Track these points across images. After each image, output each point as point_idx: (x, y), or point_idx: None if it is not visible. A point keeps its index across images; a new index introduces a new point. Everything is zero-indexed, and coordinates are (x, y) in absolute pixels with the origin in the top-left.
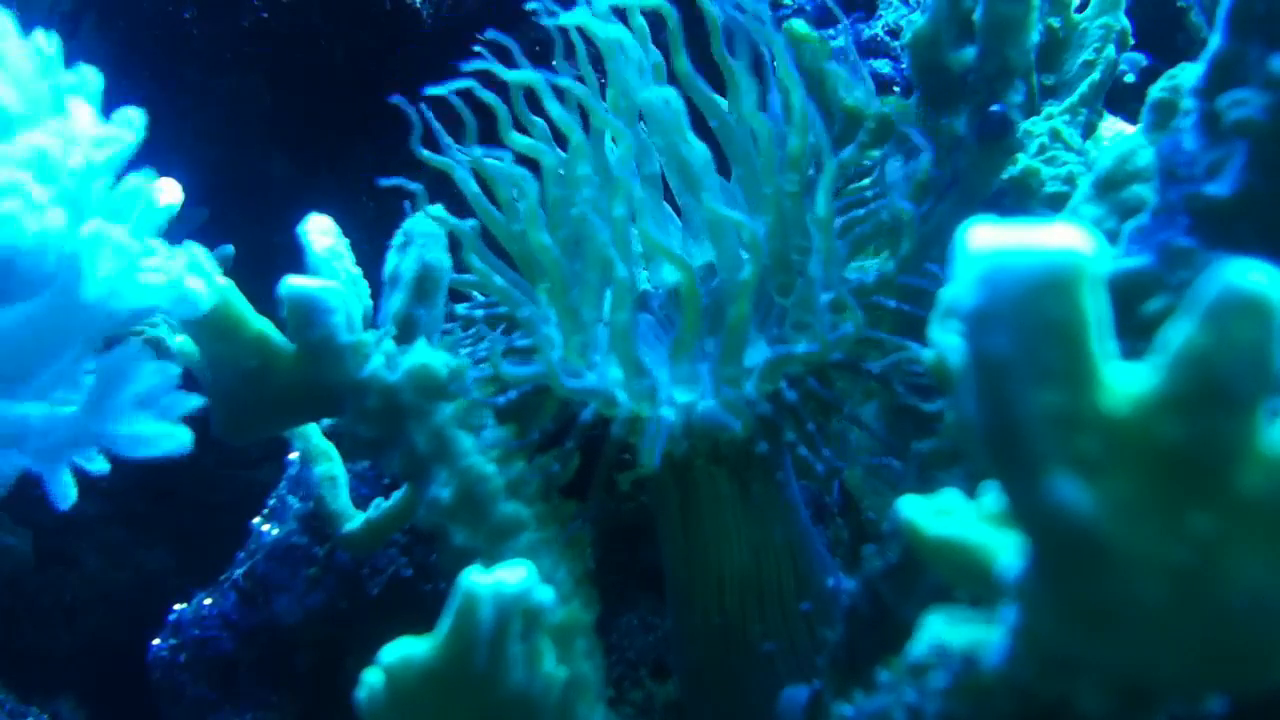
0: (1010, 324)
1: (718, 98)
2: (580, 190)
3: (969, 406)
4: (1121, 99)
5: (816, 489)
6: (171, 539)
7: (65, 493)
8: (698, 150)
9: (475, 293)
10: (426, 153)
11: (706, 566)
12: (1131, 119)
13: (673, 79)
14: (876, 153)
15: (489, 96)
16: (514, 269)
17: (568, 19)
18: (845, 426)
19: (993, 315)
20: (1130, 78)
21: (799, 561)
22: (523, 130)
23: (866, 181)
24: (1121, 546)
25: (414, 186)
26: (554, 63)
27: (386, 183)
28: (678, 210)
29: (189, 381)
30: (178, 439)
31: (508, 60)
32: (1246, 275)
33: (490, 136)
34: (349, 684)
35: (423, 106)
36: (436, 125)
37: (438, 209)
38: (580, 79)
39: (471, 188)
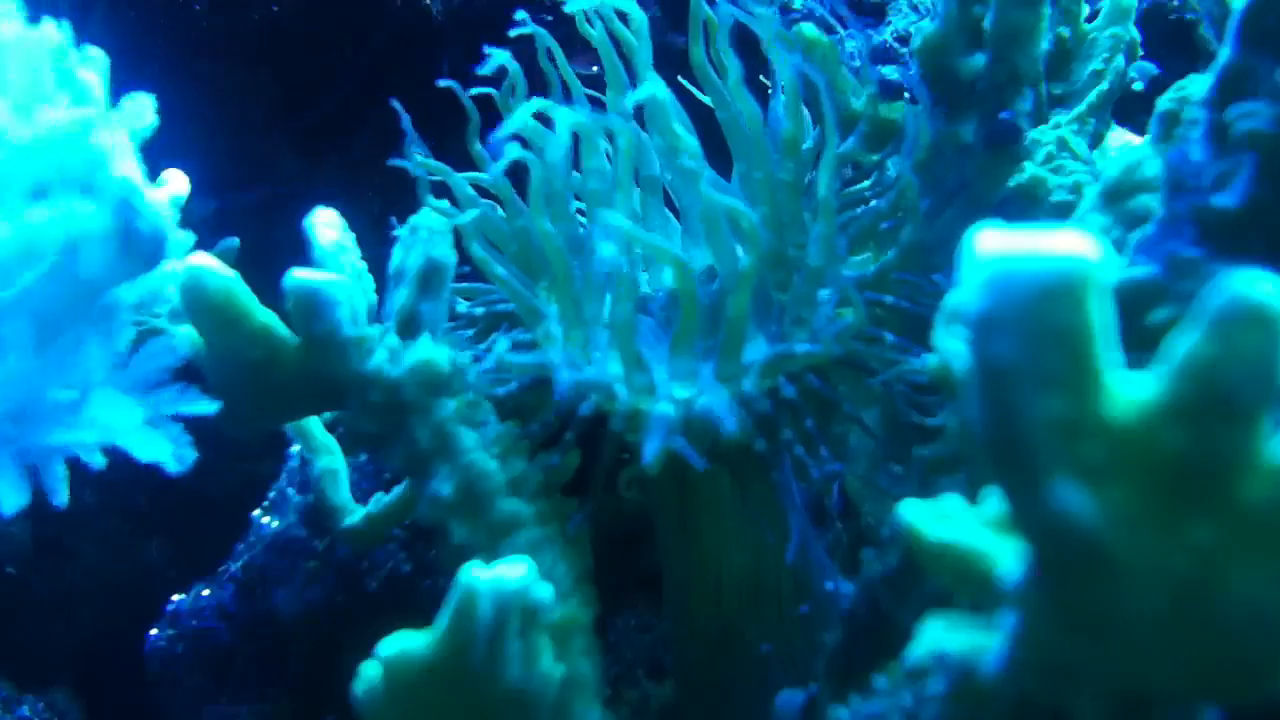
0: (1015, 329)
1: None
2: (586, 184)
3: (972, 412)
4: (1130, 110)
5: (816, 492)
6: (170, 531)
7: (59, 487)
8: (688, 142)
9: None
10: (420, 159)
11: (704, 567)
12: (1138, 129)
13: (685, 68)
14: (876, 156)
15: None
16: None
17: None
18: (846, 429)
19: (998, 320)
20: (1139, 85)
21: (797, 563)
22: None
23: (866, 184)
24: (1122, 555)
25: (429, 166)
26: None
27: (393, 163)
28: (679, 216)
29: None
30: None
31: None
32: (1253, 285)
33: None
34: (347, 676)
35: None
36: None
37: (442, 202)
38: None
39: (466, 190)
